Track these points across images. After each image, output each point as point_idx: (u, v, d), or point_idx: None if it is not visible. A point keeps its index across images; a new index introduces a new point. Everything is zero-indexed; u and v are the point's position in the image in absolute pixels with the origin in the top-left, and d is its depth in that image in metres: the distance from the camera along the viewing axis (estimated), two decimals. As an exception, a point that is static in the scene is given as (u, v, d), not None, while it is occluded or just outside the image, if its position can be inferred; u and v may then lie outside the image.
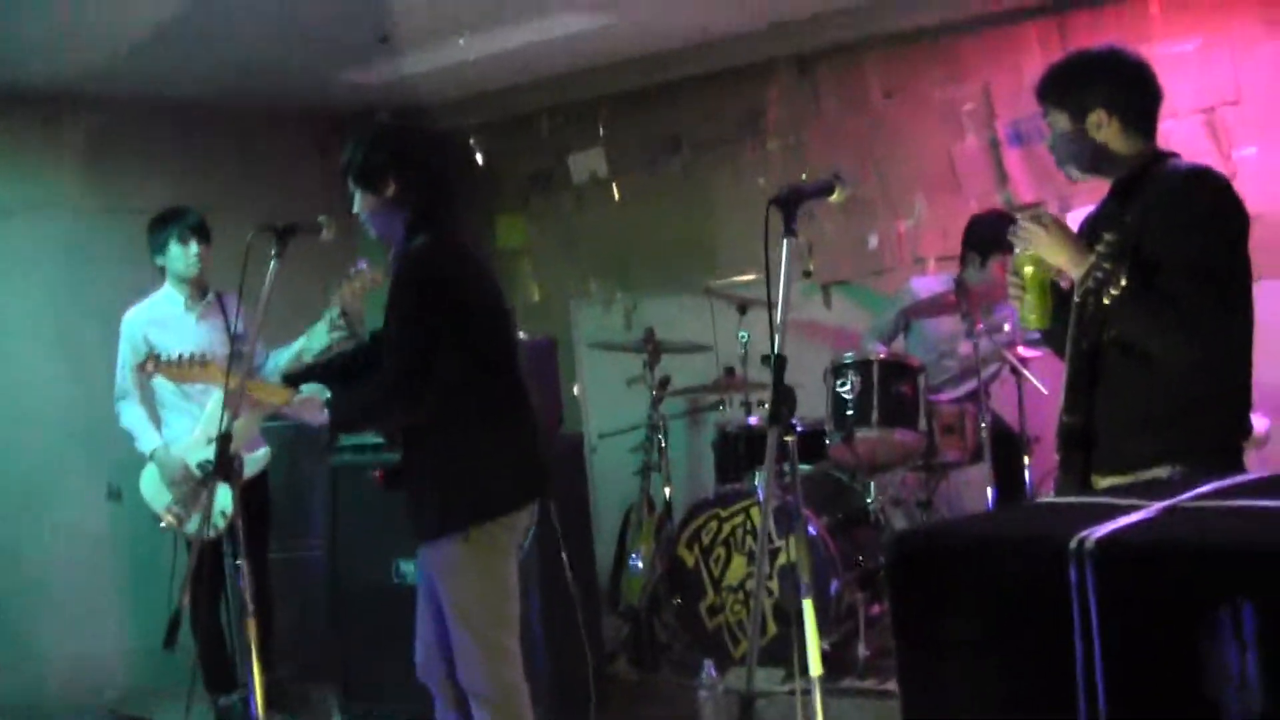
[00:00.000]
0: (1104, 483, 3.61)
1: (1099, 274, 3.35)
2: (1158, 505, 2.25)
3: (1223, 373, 3.60)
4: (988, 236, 6.25)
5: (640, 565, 7.21)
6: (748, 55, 7.85)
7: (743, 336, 7.09)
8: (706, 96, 8.17)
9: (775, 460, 3.51)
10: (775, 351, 3.65)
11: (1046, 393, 6.08)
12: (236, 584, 4.12)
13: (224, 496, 6.06)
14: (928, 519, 6.38)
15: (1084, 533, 2.09)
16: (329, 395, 4.38)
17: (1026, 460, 6.19)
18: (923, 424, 6.03)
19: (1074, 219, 6.85)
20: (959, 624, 2.22)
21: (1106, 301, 3.39)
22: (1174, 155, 3.78)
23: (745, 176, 8.06)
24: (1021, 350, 6.23)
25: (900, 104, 7.57)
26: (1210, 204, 3.60)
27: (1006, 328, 6.38)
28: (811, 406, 6.78)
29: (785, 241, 3.70)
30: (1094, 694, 2.07)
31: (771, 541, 5.97)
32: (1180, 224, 3.55)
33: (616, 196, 8.50)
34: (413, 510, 4.43)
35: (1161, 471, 3.50)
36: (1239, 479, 2.48)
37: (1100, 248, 3.37)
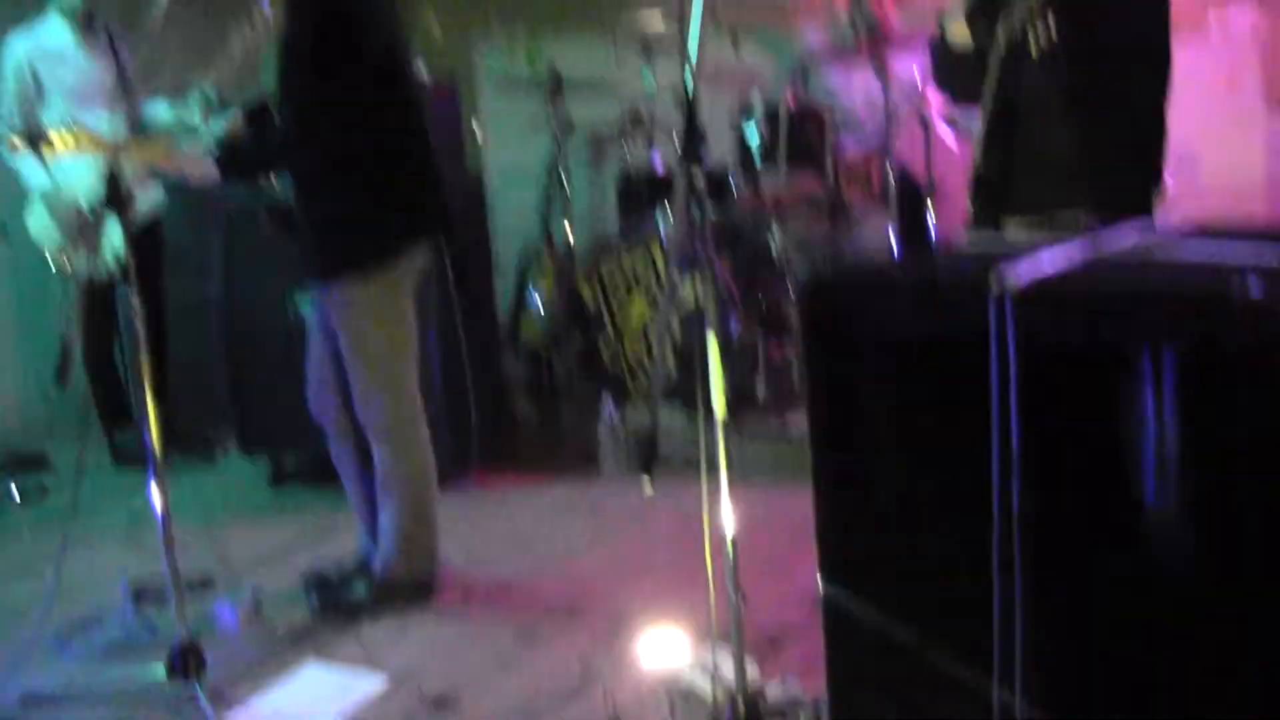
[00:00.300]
0: (1014, 223, 3.60)
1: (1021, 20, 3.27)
2: (1079, 252, 2.24)
3: (1145, 126, 3.57)
4: None
5: (539, 303, 7.19)
6: None
7: (649, 78, 6.96)
8: None
9: (683, 193, 3.44)
10: (688, 87, 3.55)
11: (956, 148, 6.06)
12: (130, 321, 4.02)
13: (115, 236, 5.97)
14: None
15: (1004, 274, 2.07)
16: (217, 145, 4.30)
17: (930, 209, 6.18)
18: (829, 170, 5.99)
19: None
20: (873, 364, 2.21)
21: (1035, 56, 3.32)
22: None
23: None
24: (931, 99, 6.18)
25: None
26: None
27: (919, 73, 6.31)
28: (717, 152, 6.73)
29: (707, -17, 3.56)
30: (1009, 439, 2.08)
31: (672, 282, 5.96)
32: None
33: (525, -69, 8.25)
34: (310, 250, 4.39)
35: (1072, 215, 3.49)
36: (1159, 228, 2.47)
37: None
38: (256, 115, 5.75)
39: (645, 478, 3.20)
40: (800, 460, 5.27)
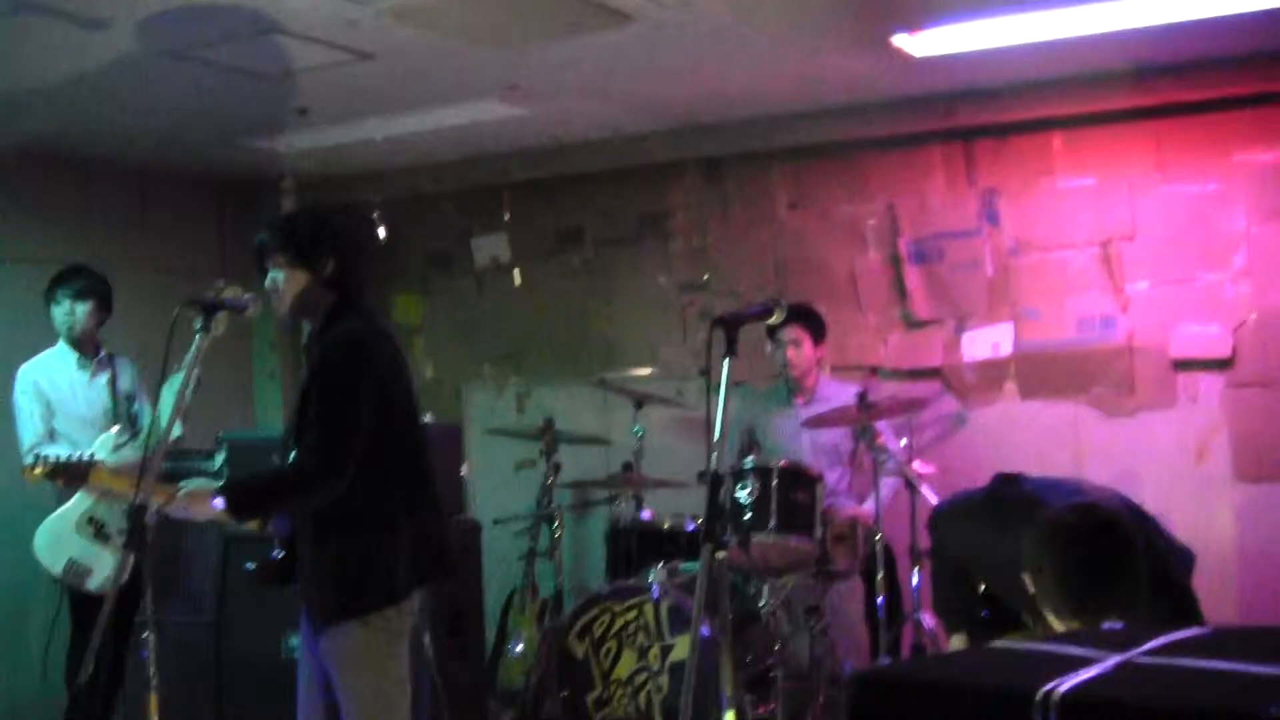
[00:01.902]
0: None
1: None
2: (1114, 659, 2.35)
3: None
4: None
5: (520, 649, 7.23)
6: (656, 154, 7.97)
7: (638, 431, 7.16)
8: (613, 191, 8.28)
9: (704, 573, 3.56)
10: (711, 469, 3.70)
11: (938, 507, 6.22)
12: (140, 655, 4.06)
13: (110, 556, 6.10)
14: (816, 624, 6.46)
15: (1048, 685, 2.18)
16: (221, 483, 4.35)
17: (915, 573, 6.31)
18: (818, 532, 6.13)
19: (971, 338, 7.14)
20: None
21: None
22: None
23: (646, 273, 8.17)
24: (917, 466, 6.39)
25: (805, 215, 7.73)
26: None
27: (903, 442, 6.53)
28: (702, 505, 6.86)
29: (726, 361, 3.76)
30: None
31: (663, 638, 6.03)
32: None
33: (517, 283, 8.56)
34: (310, 591, 4.39)
35: None
36: (1184, 634, 2.57)
37: None
38: (240, 450, 5.92)
39: None
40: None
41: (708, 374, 3.78)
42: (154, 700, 4.04)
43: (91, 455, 5.82)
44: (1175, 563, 4.13)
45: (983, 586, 3.79)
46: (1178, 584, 4.10)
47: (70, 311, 6.50)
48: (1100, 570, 3.42)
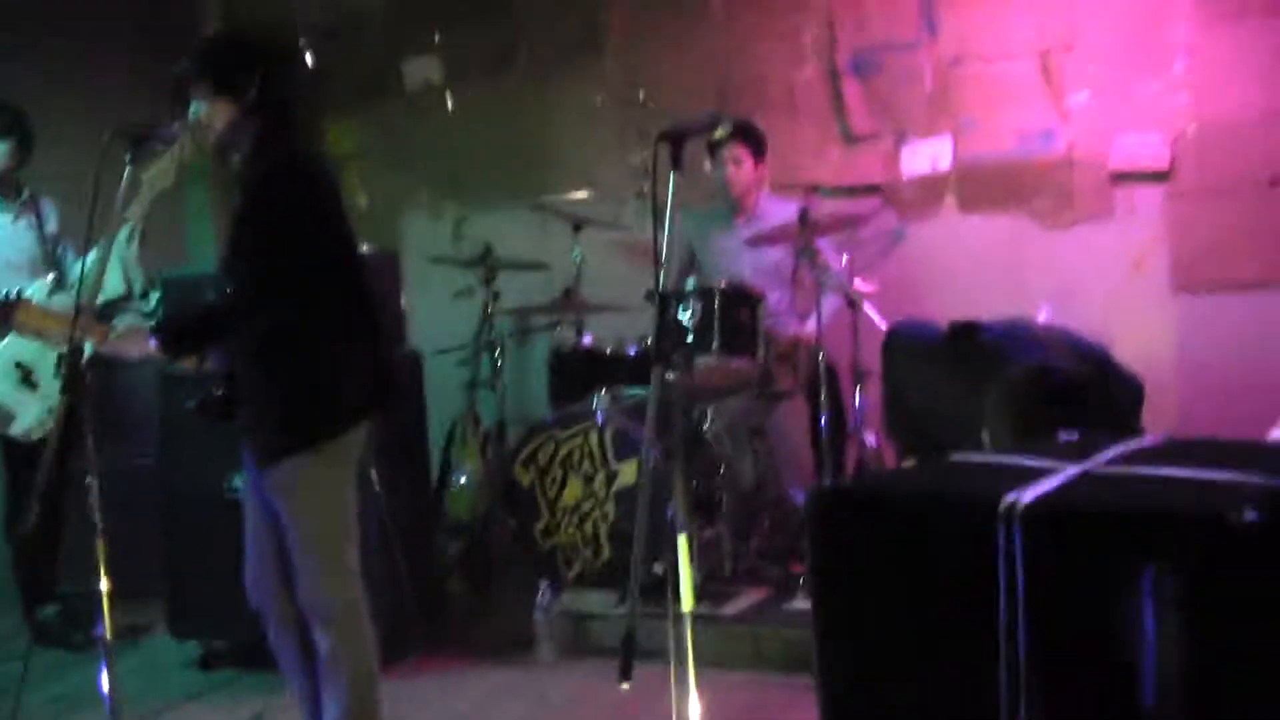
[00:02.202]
0: None
1: None
2: (1073, 469, 2.34)
3: None
4: None
5: (464, 480, 7.22)
6: (589, -32, 7.79)
7: (576, 255, 7.09)
8: (546, 8, 8.08)
9: (655, 395, 3.52)
10: (660, 289, 3.65)
11: (885, 326, 6.20)
12: (87, 500, 4.00)
13: (50, 394, 6.02)
14: (759, 446, 6.49)
15: (1011, 496, 2.17)
16: (155, 322, 4.28)
17: (858, 392, 6.31)
18: (761, 352, 6.09)
19: (910, 152, 7.08)
20: (882, 580, 2.28)
21: None
22: None
23: (581, 93, 8.01)
24: (858, 283, 6.35)
25: (741, 29, 7.57)
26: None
27: (844, 259, 6.47)
28: (647, 328, 6.84)
29: (672, 175, 3.67)
30: (1015, 651, 2.15)
31: (609, 465, 6.03)
32: None
33: (450, 106, 8.39)
34: (252, 428, 4.32)
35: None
36: (1140, 443, 2.57)
37: None
38: (175, 288, 5.81)
39: (624, 683, 3.19)
40: (733, 645, 5.35)
41: (652, 195, 3.69)
42: (102, 546, 3.99)
43: (19, 293, 5.69)
44: (1126, 403, 4.14)
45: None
46: (1129, 430, 4.11)
47: (5, 158, 6.28)
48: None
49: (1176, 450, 2.56)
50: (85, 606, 6.32)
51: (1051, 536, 2.15)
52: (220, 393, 4.41)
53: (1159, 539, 2.09)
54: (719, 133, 3.97)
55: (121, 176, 4.16)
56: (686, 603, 3.62)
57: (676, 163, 3.70)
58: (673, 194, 3.68)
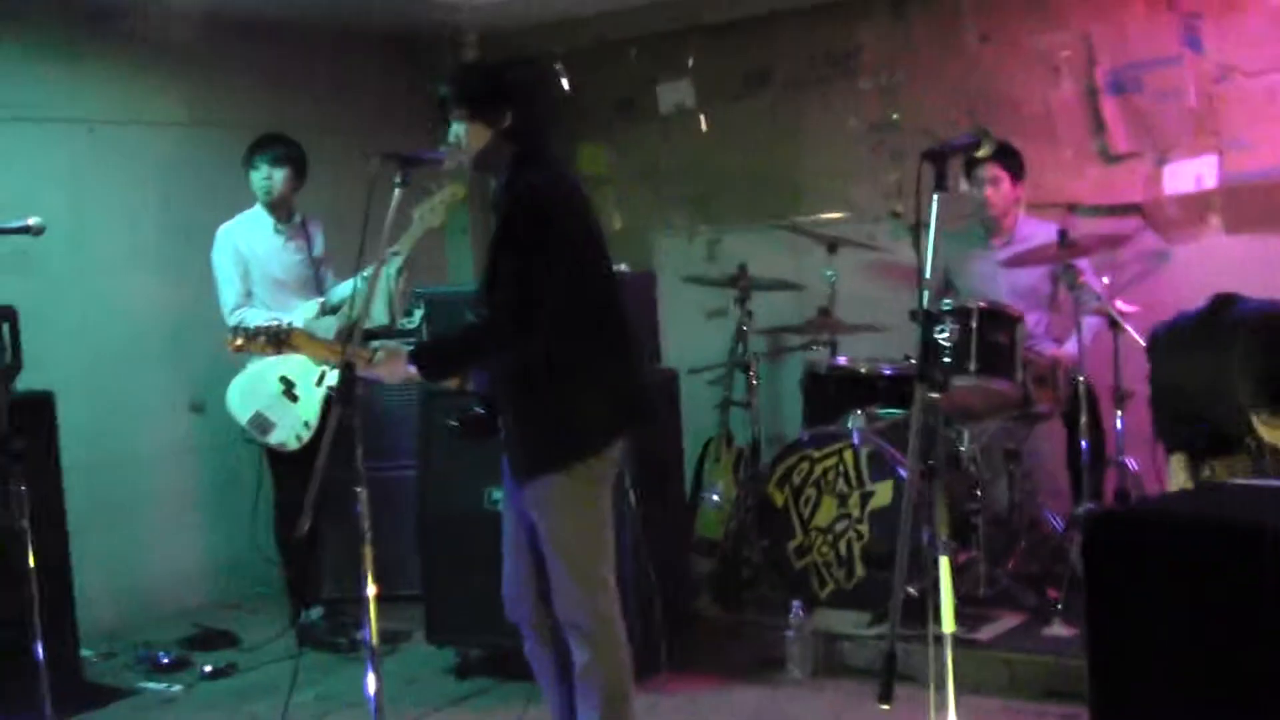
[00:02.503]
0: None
1: None
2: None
3: None
4: None
5: (716, 499, 7.25)
6: (841, -10, 7.77)
7: (830, 275, 7.07)
8: (799, 32, 8.08)
9: (918, 413, 3.50)
10: (923, 308, 3.62)
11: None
12: (353, 510, 4.12)
13: (308, 408, 6.26)
14: (1016, 469, 6.38)
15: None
16: (414, 345, 4.37)
17: (1119, 415, 6.17)
18: (1019, 374, 6.00)
19: (1173, 171, 6.90)
20: (1156, 604, 2.24)
21: None
22: None
23: (835, 114, 8.00)
24: (1120, 304, 6.21)
25: (996, 49, 7.48)
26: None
27: (1105, 280, 6.34)
28: (897, 348, 6.81)
29: (936, 196, 3.65)
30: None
31: (863, 485, 5.99)
32: None
33: (703, 128, 8.45)
34: (512, 445, 4.41)
35: None
36: None
37: None
38: (437, 306, 5.97)
39: (884, 704, 3.17)
40: (987, 669, 5.26)
41: (915, 214, 3.66)
42: (368, 553, 4.09)
43: (289, 323, 5.92)
44: None
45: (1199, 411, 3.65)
46: None
47: (268, 177, 6.60)
48: None
49: None
50: (347, 611, 6.60)
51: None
52: (481, 411, 4.52)
53: None
54: (982, 150, 3.94)
55: (390, 199, 4.26)
56: (947, 625, 3.59)
57: (940, 182, 3.68)
58: (936, 214, 3.65)
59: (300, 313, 6.38)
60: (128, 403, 7.32)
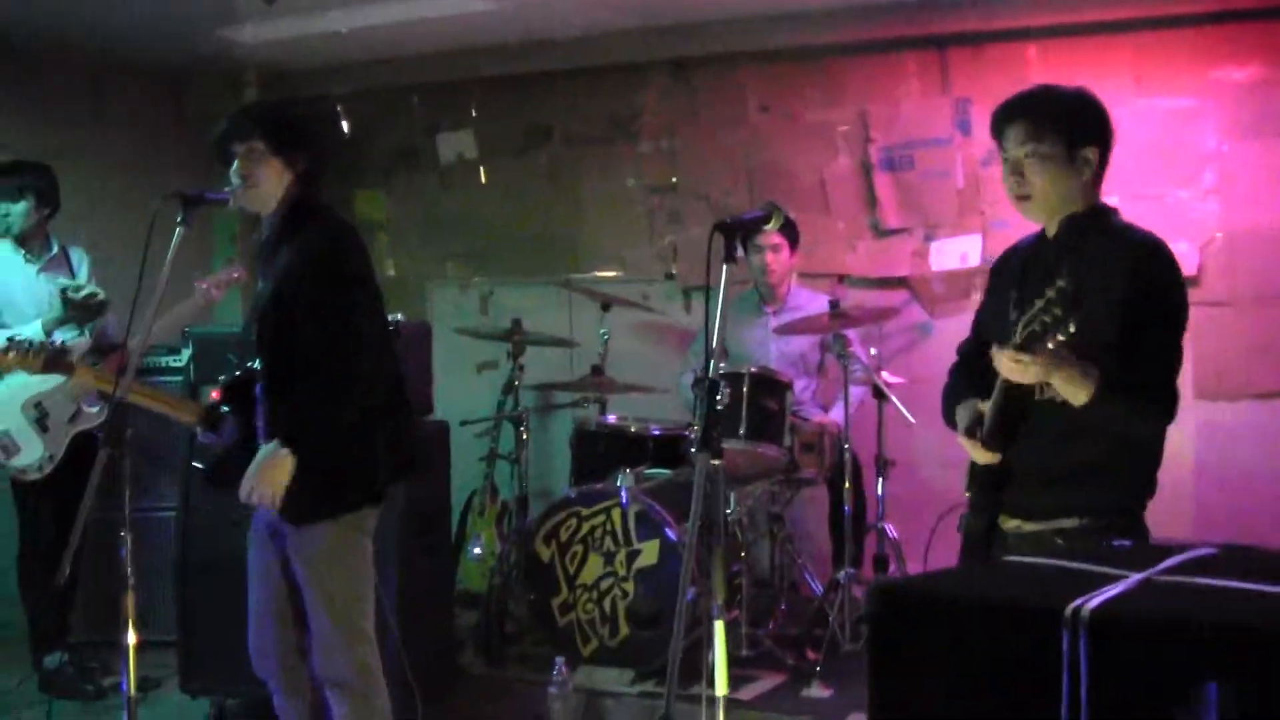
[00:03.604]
0: (1011, 524, 3.77)
1: (1045, 319, 3.32)
2: (1135, 577, 2.35)
3: (1146, 446, 3.73)
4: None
5: (479, 553, 7.23)
6: (626, 54, 7.88)
7: (603, 334, 7.12)
8: (582, 91, 8.19)
9: (700, 484, 3.53)
10: (709, 376, 3.67)
11: (914, 421, 6.23)
12: (118, 554, 4.00)
13: (56, 441, 6.08)
14: (779, 532, 6.50)
15: (1076, 602, 2.18)
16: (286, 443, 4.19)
17: (881, 482, 6.34)
18: (787, 440, 6.13)
19: (939, 247, 7.13)
20: (941, 681, 2.29)
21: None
22: (1115, 211, 3.82)
23: (614, 174, 8.11)
24: (885, 374, 6.39)
25: (776, 119, 7.67)
26: (1173, 282, 3.65)
27: (873, 351, 6.52)
28: (666, 409, 6.89)
29: (725, 267, 3.71)
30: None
31: (630, 544, 6.03)
32: (1146, 296, 3.56)
33: (483, 180, 8.47)
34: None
35: (1069, 522, 3.65)
36: (1197, 553, 2.59)
37: (1050, 293, 3.30)
38: (203, 346, 5.85)
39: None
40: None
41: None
42: (130, 599, 3.99)
43: (64, 343, 5.74)
44: None
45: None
46: None
47: (6, 213, 6.33)
48: None
49: (1233, 561, 2.58)
50: (93, 656, 6.38)
51: (1117, 644, 2.15)
52: (231, 457, 4.41)
53: (1226, 652, 2.10)
54: (771, 224, 4.02)
55: (171, 237, 4.15)
56: (720, 687, 3.63)
57: (730, 254, 3.74)
58: (725, 283, 3.71)
59: (67, 340, 6.12)
60: None
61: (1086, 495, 3.67)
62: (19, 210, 6.30)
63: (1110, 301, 3.54)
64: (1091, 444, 3.64)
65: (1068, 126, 3.68)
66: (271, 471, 4.13)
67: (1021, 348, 3.43)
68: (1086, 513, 3.65)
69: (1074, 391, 3.52)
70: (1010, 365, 3.51)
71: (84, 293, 6.05)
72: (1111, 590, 2.26)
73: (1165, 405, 3.60)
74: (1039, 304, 3.35)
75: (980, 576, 2.84)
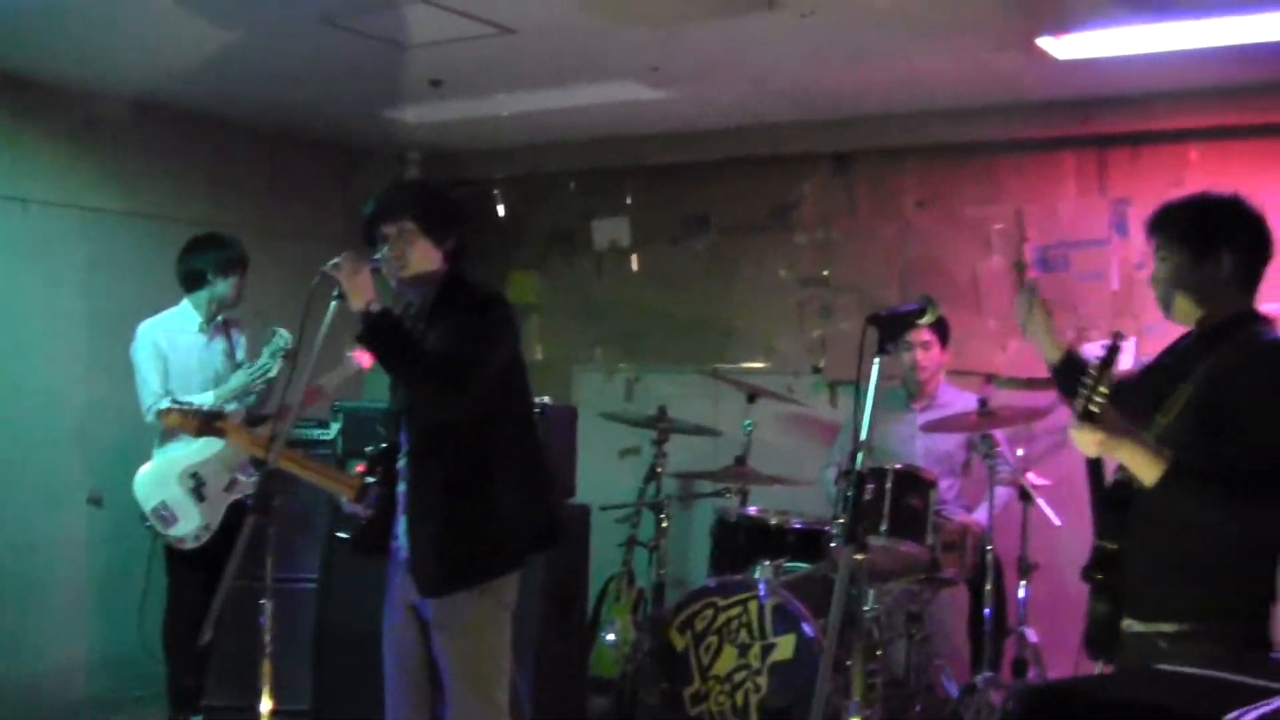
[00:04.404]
0: (1126, 623, 3.67)
1: (1084, 388, 3.37)
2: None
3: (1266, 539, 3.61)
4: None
5: (612, 639, 7.19)
6: (787, 146, 7.89)
7: (748, 424, 7.09)
8: (740, 180, 8.21)
9: (843, 579, 3.50)
10: (856, 469, 3.64)
11: (1059, 523, 6.12)
12: (258, 621, 4.06)
13: (213, 511, 6.18)
14: (916, 633, 6.39)
15: (1232, 715, 2.11)
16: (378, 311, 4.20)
17: (1023, 585, 6.23)
18: (929, 538, 6.04)
19: (1091, 350, 6.98)
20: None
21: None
22: (1267, 320, 3.75)
23: (768, 265, 8.11)
24: (1032, 476, 6.29)
25: (932, 214, 7.64)
26: (1267, 376, 3.55)
27: (1021, 452, 6.43)
28: (808, 502, 6.83)
29: (877, 360, 3.68)
30: None
31: (766, 637, 5.97)
32: (1253, 393, 3.50)
33: (635, 267, 8.51)
34: (423, 559, 4.31)
35: (1169, 627, 3.54)
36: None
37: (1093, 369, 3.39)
38: (353, 419, 5.92)
39: None
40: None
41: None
42: (268, 667, 4.03)
43: (221, 408, 5.84)
44: None
45: None
46: None
47: (235, 288, 6.48)
48: None
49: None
50: (226, 720, 6.47)
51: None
52: (374, 526, 4.45)
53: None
54: (925, 318, 3.98)
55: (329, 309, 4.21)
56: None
57: (883, 346, 3.72)
58: (876, 376, 3.68)
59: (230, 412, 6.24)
60: (26, 486, 7.14)
61: (1193, 598, 3.55)
62: (227, 285, 6.46)
63: (1233, 408, 3.49)
64: (1198, 540, 3.54)
65: (1193, 235, 3.68)
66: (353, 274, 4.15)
67: (1082, 418, 3.41)
68: (1190, 617, 3.53)
69: (1143, 469, 3.46)
70: (1074, 436, 3.49)
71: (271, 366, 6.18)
72: (1267, 706, 2.19)
73: (1245, 493, 3.46)
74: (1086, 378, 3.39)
75: (1128, 682, 2.76)
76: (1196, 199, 3.78)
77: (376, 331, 4.17)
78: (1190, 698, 2.36)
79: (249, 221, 7.49)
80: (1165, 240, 3.71)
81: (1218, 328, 3.69)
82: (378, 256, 4.31)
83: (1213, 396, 3.52)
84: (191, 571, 6.38)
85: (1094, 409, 3.34)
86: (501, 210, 8.73)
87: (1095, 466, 3.71)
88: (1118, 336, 3.58)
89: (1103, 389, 3.31)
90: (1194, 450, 3.44)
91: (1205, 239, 3.66)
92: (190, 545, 6.31)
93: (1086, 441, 3.47)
